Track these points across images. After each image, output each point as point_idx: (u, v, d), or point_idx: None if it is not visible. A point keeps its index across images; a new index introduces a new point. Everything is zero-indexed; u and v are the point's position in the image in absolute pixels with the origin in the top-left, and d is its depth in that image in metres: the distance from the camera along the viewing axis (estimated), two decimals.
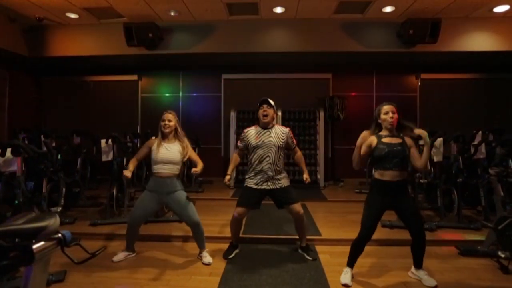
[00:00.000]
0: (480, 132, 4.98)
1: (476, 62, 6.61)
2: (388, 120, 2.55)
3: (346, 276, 2.70)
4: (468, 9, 5.42)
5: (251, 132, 3.13)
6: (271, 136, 3.06)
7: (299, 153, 3.27)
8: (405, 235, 2.81)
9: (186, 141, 3.15)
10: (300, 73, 7.26)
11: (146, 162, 5.03)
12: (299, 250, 3.28)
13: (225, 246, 3.43)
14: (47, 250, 1.12)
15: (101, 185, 6.20)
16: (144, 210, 3.06)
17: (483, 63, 6.63)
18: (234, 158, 3.24)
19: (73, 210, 4.66)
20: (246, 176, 3.17)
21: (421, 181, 4.53)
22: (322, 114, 6.67)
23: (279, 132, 3.10)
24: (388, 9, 5.51)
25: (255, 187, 3.05)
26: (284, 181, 3.09)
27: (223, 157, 7.30)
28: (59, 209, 3.95)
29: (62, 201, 4.17)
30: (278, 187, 3.04)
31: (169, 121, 3.07)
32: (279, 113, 6.66)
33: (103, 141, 4.33)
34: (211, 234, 3.68)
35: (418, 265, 2.74)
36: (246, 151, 3.22)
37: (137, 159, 3.13)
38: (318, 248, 3.46)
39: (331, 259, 3.18)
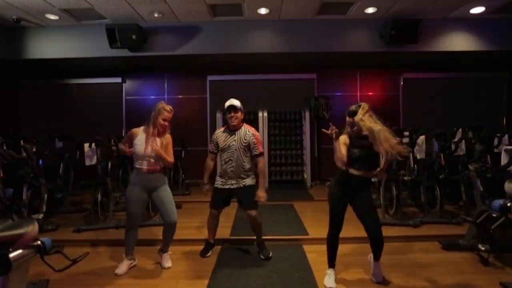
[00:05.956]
0: (460, 129, 5.13)
1: (455, 62, 6.81)
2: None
3: (330, 280, 2.68)
4: (446, 9, 5.57)
5: (219, 135, 3.22)
6: (235, 140, 3.12)
7: (260, 165, 3.12)
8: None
9: (168, 137, 3.02)
10: (285, 73, 7.29)
11: (132, 166, 4.94)
12: (255, 245, 3.38)
13: (215, 248, 3.43)
14: (25, 259, 1.08)
15: (84, 190, 6.05)
16: (138, 203, 2.93)
17: (462, 62, 6.83)
18: (208, 165, 3.27)
19: (56, 216, 4.54)
20: (216, 176, 3.27)
21: (405, 178, 4.62)
22: (307, 114, 6.72)
23: (242, 135, 3.13)
24: (370, 10, 5.60)
25: (220, 186, 3.18)
26: (248, 181, 3.16)
27: None
28: (41, 216, 3.84)
29: (44, 207, 4.03)
30: (241, 185, 3.13)
31: (169, 122, 2.95)
32: (265, 114, 6.68)
33: (86, 145, 4.23)
34: (200, 237, 3.66)
35: (376, 257, 2.73)
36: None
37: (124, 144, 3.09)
38: (306, 247, 3.48)
39: (319, 257, 3.19)
